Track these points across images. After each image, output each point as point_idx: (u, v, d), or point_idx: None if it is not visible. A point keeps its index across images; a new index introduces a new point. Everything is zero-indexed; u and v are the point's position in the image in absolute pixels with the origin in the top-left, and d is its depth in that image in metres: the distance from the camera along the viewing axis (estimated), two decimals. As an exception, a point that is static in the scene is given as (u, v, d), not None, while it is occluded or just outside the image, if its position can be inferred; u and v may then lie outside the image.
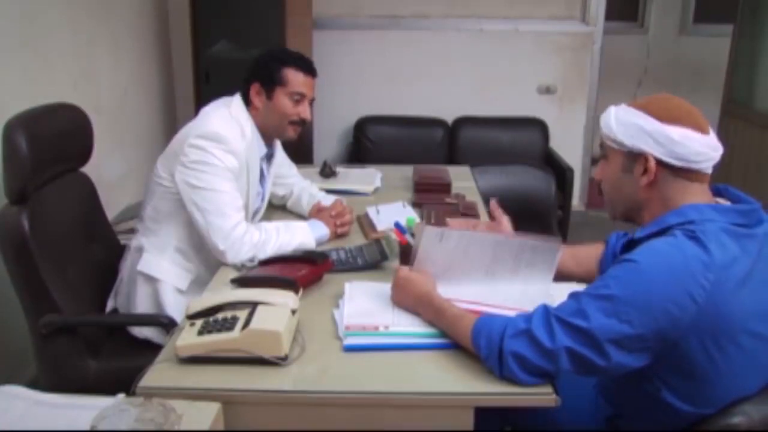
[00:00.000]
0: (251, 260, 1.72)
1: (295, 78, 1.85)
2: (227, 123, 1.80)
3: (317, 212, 2.01)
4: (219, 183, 1.74)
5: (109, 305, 1.92)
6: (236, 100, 1.88)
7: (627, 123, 1.20)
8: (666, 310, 1.07)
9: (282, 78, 1.84)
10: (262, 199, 2.04)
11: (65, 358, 1.72)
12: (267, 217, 2.07)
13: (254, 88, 1.86)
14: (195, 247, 1.87)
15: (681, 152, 1.15)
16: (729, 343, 1.10)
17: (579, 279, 1.56)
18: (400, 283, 1.43)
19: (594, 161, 4.42)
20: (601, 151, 1.29)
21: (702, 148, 1.15)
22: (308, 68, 1.88)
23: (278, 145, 2.10)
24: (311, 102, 1.91)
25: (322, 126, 4.07)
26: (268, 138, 1.94)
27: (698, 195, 1.19)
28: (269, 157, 2.01)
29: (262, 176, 1.98)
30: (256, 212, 2.01)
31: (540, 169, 3.38)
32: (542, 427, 1.45)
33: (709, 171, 1.19)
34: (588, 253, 1.57)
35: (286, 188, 2.19)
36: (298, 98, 1.86)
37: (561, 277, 1.52)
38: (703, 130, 1.17)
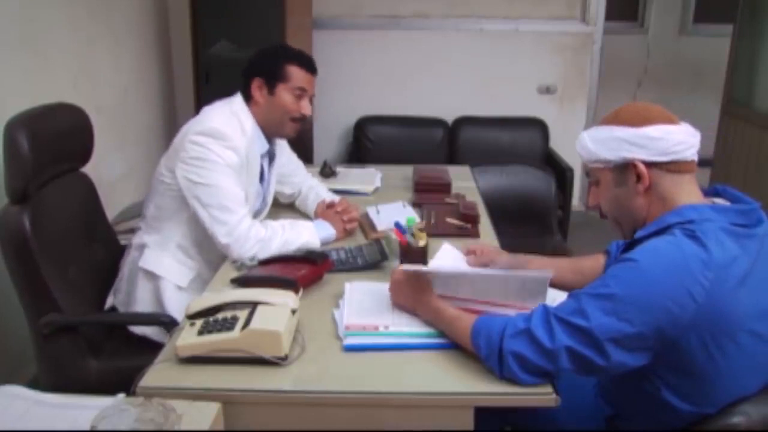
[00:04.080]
0: (253, 258, 1.72)
1: (297, 74, 1.85)
2: (227, 119, 1.81)
3: (323, 211, 2.01)
4: (220, 179, 1.74)
5: (108, 302, 1.91)
6: (237, 97, 1.89)
7: (603, 139, 1.22)
8: (666, 308, 1.07)
9: (284, 74, 1.84)
10: (263, 201, 2.03)
11: (66, 358, 1.72)
12: (272, 216, 2.04)
13: (256, 83, 1.85)
14: (197, 244, 1.87)
15: (664, 146, 1.17)
16: (729, 342, 1.11)
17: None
18: (398, 284, 1.43)
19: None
20: (590, 179, 1.30)
21: (681, 136, 1.18)
22: (310, 65, 1.89)
23: (283, 146, 2.10)
24: (311, 99, 1.92)
25: (322, 126, 4.07)
26: (268, 135, 1.94)
27: (692, 186, 1.20)
28: (271, 156, 2.01)
29: (261, 175, 1.97)
30: (257, 215, 2.00)
31: (540, 169, 3.37)
32: (542, 427, 1.45)
33: (695, 158, 1.21)
34: (590, 266, 1.57)
35: (293, 187, 2.19)
36: (300, 93, 1.86)
37: (563, 290, 1.51)
38: (675, 122, 1.20)
